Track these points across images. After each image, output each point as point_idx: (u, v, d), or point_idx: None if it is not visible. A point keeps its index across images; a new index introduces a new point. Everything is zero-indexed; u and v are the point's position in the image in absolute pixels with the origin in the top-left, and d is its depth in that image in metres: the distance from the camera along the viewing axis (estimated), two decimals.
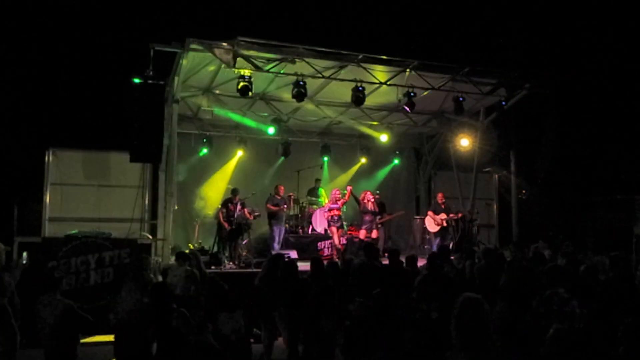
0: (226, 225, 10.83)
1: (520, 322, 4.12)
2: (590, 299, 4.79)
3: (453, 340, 3.07)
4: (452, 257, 8.50)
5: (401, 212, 13.72)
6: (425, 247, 13.04)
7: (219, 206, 11.44)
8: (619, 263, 5.94)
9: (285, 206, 11.99)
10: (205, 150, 13.34)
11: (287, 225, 12.55)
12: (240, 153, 13.66)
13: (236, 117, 12.68)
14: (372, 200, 11.27)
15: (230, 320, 2.98)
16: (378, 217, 11.63)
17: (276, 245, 11.40)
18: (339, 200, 11.16)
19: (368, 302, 4.50)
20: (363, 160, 14.99)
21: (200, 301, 7.28)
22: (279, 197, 11.90)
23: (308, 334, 4.73)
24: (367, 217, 11.19)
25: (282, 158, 14.08)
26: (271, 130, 12.45)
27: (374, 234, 11.30)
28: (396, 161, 15.48)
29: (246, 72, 9.54)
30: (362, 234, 11.18)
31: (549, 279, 4.82)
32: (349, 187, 11.33)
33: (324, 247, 12.26)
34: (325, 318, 4.67)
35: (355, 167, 15.11)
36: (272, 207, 11.68)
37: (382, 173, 15.45)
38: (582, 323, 4.26)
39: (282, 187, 12.07)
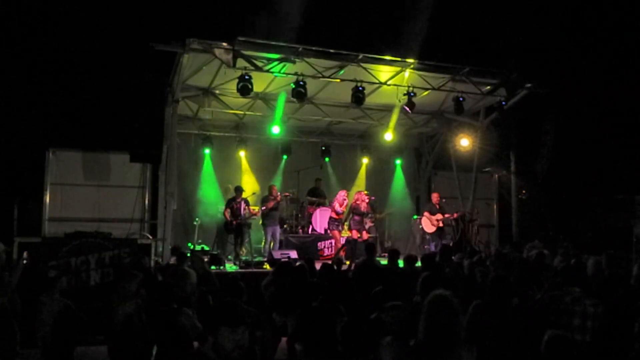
0: (229, 219, 10.93)
1: (504, 320, 4.11)
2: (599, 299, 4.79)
3: (419, 337, 3.05)
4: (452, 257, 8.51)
5: (390, 211, 13.76)
6: (425, 247, 13.04)
7: (223, 205, 11.48)
8: (615, 261, 5.91)
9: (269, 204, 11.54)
10: (205, 151, 13.34)
11: (286, 226, 12.54)
12: (242, 154, 13.69)
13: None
14: (366, 201, 11.30)
15: (233, 334, 2.86)
16: (369, 217, 11.65)
17: (267, 246, 11.35)
18: (345, 203, 11.25)
19: (405, 306, 4.44)
20: (365, 160, 15.00)
21: (207, 300, 7.30)
22: (272, 197, 11.73)
23: (311, 334, 4.74)
24: (356, 218, 11.23)
25: (285, 157, 14.06)
26: (276, 129, 12.40)
27: (365, 235, 11.31)
28: (398, 162, 15.49)
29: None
30: (354, 234, 11.26)
31: (563, 278, 4.83)
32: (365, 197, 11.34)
33: (324, 247, 12.29)
34: (327, 318, 4.67)
35: (363, 171, 15.12)
36: (265, 207, 11.59)
37: (398, 179, 15.41)
38: (598, 322, 4.23)
39: (275, 187, 11.99)
